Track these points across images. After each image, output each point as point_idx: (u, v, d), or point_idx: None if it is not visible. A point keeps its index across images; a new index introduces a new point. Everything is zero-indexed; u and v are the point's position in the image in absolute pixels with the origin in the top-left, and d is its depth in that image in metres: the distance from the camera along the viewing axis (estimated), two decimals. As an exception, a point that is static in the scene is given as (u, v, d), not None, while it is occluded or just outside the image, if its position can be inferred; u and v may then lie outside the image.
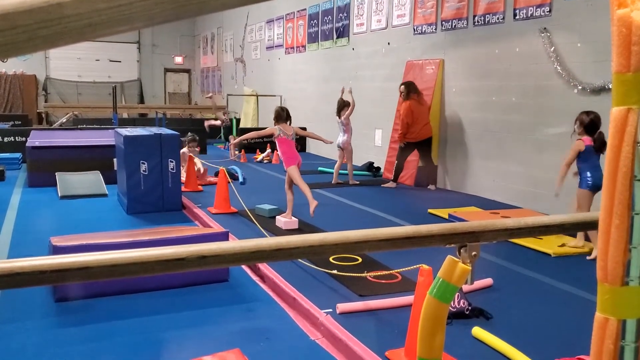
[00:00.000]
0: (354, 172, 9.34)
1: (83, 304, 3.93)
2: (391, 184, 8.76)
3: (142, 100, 21.43)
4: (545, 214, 6.02)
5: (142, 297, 4.06)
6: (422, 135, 8.46)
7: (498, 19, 7.65)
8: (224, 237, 4.65)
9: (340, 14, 11.75)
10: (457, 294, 3.50)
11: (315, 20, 12.79)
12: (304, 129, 12.72)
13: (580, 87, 6.44)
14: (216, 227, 5.88)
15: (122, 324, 3.67)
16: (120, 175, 7.40)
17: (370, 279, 4.30)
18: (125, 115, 18.62)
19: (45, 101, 20.01)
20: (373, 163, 10.09)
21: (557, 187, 5.07)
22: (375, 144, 10.66)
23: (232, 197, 6.83)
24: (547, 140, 6.89)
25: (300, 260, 4.58)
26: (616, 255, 1.15)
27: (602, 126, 5.05)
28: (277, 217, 6.16)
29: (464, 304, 3.61)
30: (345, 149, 8.88)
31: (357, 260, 4.74)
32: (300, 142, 12.65)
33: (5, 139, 11.23)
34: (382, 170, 9.86)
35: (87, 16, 0.64)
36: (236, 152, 12.19)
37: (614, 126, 1.13)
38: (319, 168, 10.29)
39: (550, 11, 6.86)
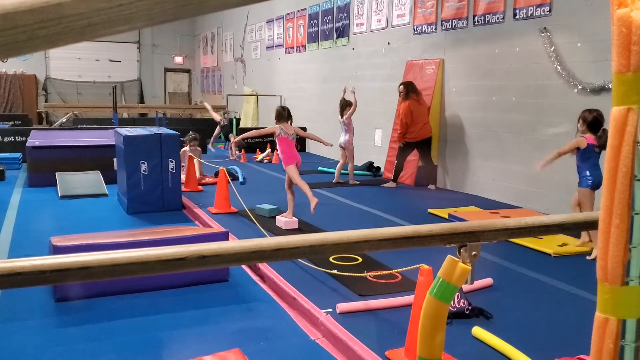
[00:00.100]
0: (354, 172, 9.34)
1: (83, 304, 3.93)
2: (391, 184, 8.76)
3: (142, 100, 21.43)
4: (546, 214, 6.03)
5: (142, 297, 4.06)
6: (421, 135, 8.46)
7: (498, 18, 7.65)
8: (224, 237, 4.65)
9: (340, 14, 11.75)
10: (457, 293, 3.50)
11: (315, 20, 12.79)
12: (304, 129, 12.76)
13: (580, 87, 6.44)
14: (216, 227, 5.88)
15: (123, 323, 3.67)
16: (120, 175, 7.40)
17: (370, 278, 4.30)
18: (125, 115, 18.63)
19: (46, 101, 20.01)
20: (373, 163, 10.09)
21: (539, 166, 5.16)
22: (375, 143, 10.66)
23: (232, 196, 6.83)
24: (547, 140, 6.89)
25: (300, 260, 4.58)
26: (616, 255, 1.15)
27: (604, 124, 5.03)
28: (277, 217, 6.16)
29: (464, 303, 3.61)
30: (347, 149, 8.88)
31: (357, 260, 4.74)
32: (300, 142, 12.65)
33: (6, 139, 11.23)
34: (382, 170, 9.86)
35: (87, 16, 0.64)
36: (236, 152, 12.19)
37: (614, 126, 1.13)
38: (319, 168, 10.29)
39: (550, 11, 6.86)
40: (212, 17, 19.47)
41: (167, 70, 22.48)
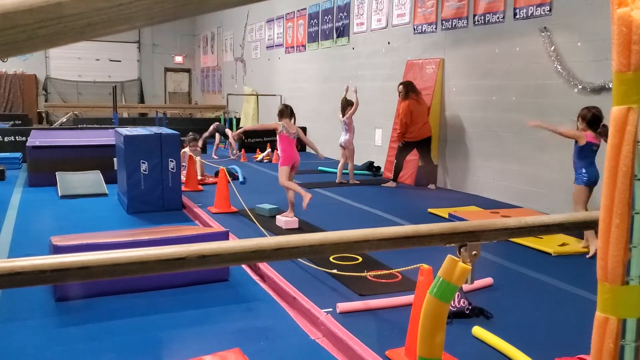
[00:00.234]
0: (355, 171, 9.34)
1: (83, 304, 3.93)
2: (391, 184, 8.76)
3: (142, 100, 21.43)
4: (546, 214, 6.03)
5: (142, 297, 4.06)
6: (421, 134, 8.46)
7: (498, 18, 7.65)
8: (224, 236, 4.65)
9: (341, 14, 11.75)
10: (457, 293, 3.50)
11: (315, 20, 12.79)
12: (304, 129, 12.78)
13: (580, 87, 6.44)
14: (216, 227, 5.88)
15: (122, 323, 3.67)
16: (121, 175, 7.40)
17: (370, 278, 4.30)
18: (125, 115, 18.63)
19: (46, 101, 20.01)
20: (373, 162, 10.10)
21: (533, 123, 5.37)
22: (375, 143, 10.66)
23: (232, 196, 6.83)
24: (547, 140, 6.89)
25: (300, 259, 4.58)
26: (616, 255, 1.15)
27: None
28: (277, 216, 6.16)
29: (464, 303, 3.61)
30: (347, 148, 8.88)
31: (358, 259, 4.74)
32: (301, 142, 12.64)
33: (6, 139, 11.23)
34: (382, 169, 9.86)
35: (87, 15, 0.64)
36: (236, 150, 12.18)
37: (614, 125, 1.13)
38: (319, 167, 10.29)
39: (550, 10, 6.85)
40: (212, 16, 19.47)
41: (167, 69, 22.48)
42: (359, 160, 10.02)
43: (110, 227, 5.99)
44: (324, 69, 12.46)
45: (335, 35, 11.98)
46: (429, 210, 6.89)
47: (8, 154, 10.69)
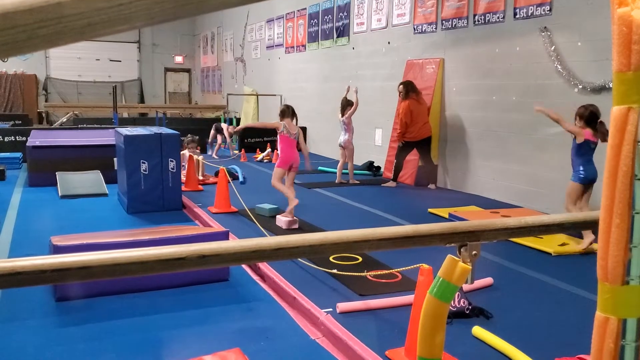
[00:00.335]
0: (355, 171, 9.34)
1: (83, 304, 3.93)
2: (391, 184, 8.76)
3: (142, 100, 21.43)
4: (546, 214, 6.03)
5: (142, 297, 4.06)
6: (421, 134, 8.46)
7: (498, 18, 7.65)
8: (224, 236, 4.65)
9: (341, 13, 11.75)
10: (458, 293, 3.50)
11: (315, 20, 12.79)
12: (304, 129, 12.78)
13: (580, 86, 6.44)
14: (216, 227, 5.88)
15: (123, 323, 3.67)
16: (121, 175, 7.40)
17: (370, 278, 4.30)
18: (125, 115, 18.63)
19: (46, 101, 20.01)
20: (373, 162, 10.10)
21: (539, 107, 5.49)
22: (375, 143, 10.66)
23: (233, 196, 6.83)
24: (547, 140, 6.89)
25: (300, 259, 4.58)
26: (617, 255, 1.15)
27: (606, 127, 5.07)
28: (277, 216, 6.16)
29: (464, 303, 3.61)
30: (347, 148, 8.88)
31: (358, 259, 4.74)
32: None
33: (6, 139, 11.23)
34: (382, 169, 9.86)
35: (87, 15, 0.64)
36: (236, 151, 12.19)
37: (614, 125, 1.13)
38: (319, 167, 10.29)
39: (550, 10, 6.85)
40: (212, 16, 19.47)
41: (167, 69, 22.48)
42: (359, 160, 10.03)
43: (110, 227, 5.99)
44: (324, 69, 12.46)
45: (335, 35, 11.98)
46: (429, 210, 6.88)
47: (8, 154, 10.69)
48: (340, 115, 8.94)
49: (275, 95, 14.51)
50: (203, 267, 1.34)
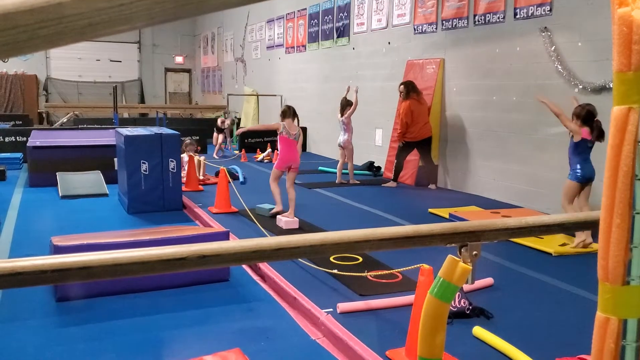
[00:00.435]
0: (355, 171, 9.35)
1: (84, 304, 3.93)
2: (391, 184, 8.76)
3: (142, 100, 21.44)
4: (546, 214, 6.03)
5: (142, 297, 4.07)
6: (421, 134, 8.46)
7: (498, 18, 7.65)
8: (224, 236, 4.65)
9: (341, 14, 11.75)
10: (458, 293, 3.50)
11: (315, 20, 12.79)
12: (304, 129, 12.78)
13: (580, 87, 6.44)
14: (217, 227, 5.88)
15: (123, 323, 3.67)
16: (121, 175, 7.40)
17: (370, 278, 4.30)
18: (125, 115, 18.63)
19: (46, 101, 20.02)
20: (373, 162, 10.10)
21: (542, 97, 5.49)
22: (375, 143, 10.66)
23: (233, 196, 6.83)
24: (547, 140, 6.89)
25: (301, 259, 4.58)
26: (617, 255, 1.15)
27: (602, 125, 5.09)
28: (277, 216, 6.16)
29: (464, 303, 3.61)
30: (346, 148, 8.89)
31: (358, 259, 4.74)
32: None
33: (6, 139, 11.23)
34: (382, 169, 9.86)
35: (88, 16, 0.64)
36: (236, 151, 12.19)
37: (614, 125, 1.13)
38: (320, 167, 10.29)
39: (550, 10, 6.85)
40: (213, 16, 19.47)
41: (167, 70, 22.49)
42: (359, 160, 10.03)
43: (110, 227, 5.99)
44: (324, 69, 12.46)
45: (335, 36, 11.98)
46: (430, 210, 6.88)
47: (9, 154, 10.70)
48: (339, 115, 8.95)
49: (275, 95, 14.51)
50: (203, 267, 1.34)
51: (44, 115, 19.67)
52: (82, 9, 0.63)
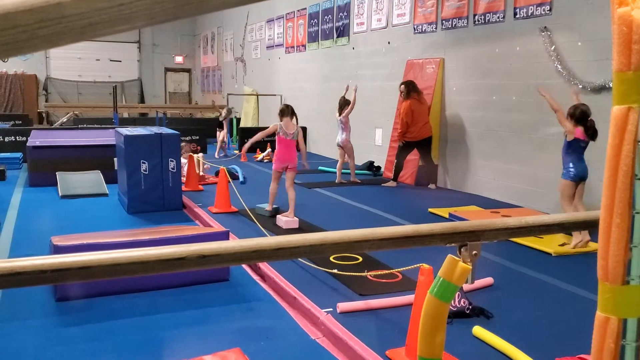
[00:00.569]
0: (355, 171, 9.37)
1: (84, 304, 3.93)
2: (391, 183, 8.76)
3: (142, 100, 21.43)
4: (546, 213, 6.03)
5: (142, 297, 4.06)
6: (421, 134, 8.46)
7: (498, 18, 7.65)
8: (224, 236, 4.65)
9: (341, 13, 11.75)
10: (458, 293, 3.50)
11: (315, 20, 12.79)
12: (304, 129, 12.77)
13: (580, 86, 6.44)
14: (217, 227, 5.88)
15: (123, 323, 3.67)
16: (121, 175, 7.40)
17: (370, 278, 4.30)
18: (125, 115, 18.63)
19: (46, 101, 20.01)
20: (373, 162, 10.10)
21: (546, 94, 5.48)
22: (375, 143, 10.66)
23: (233, 196, 6.83)
24: (547, 139, 6.89)
25: (300, 259, 4.58)
26: (617, 254, 1.15)
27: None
28: (277, 216, 6.17)
29: (464, 303, 3.61)
30: (345, 147, 8.92)
31: (358, 259, 4.74)
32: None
33: (6, 139, 11.23)
34: (382, 169, 9.86)
35: (87, 15, 0.64)
36: (236, 151, 12.20)
37: (614, 125, 1.13)
38: (320, 167, 10.29)
39: (550, 10, 6.85)
40: (213, 16, 19.46)
41: (167, 69, 22.48)
42: (359, 160, 10.03)
43: (110, 227, 5.99)
44: (324, 68, 12.46)
45: (335, 35, 11.98)
46: (430, 210, 6.88)
47: (8, 154, 10.70)
48: (337, 114, 8.97)
49: (275, 95, 14.51)
50: (203, 267, 1.34)
51: (43, 115, 19.67)
52: (82, 9, 0.63)
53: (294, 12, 13.82)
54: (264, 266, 4.59)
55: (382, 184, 8.83)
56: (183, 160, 8.46)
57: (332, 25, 12.09)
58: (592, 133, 5.04)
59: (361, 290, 4.08)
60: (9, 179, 9.26)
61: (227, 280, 4.49)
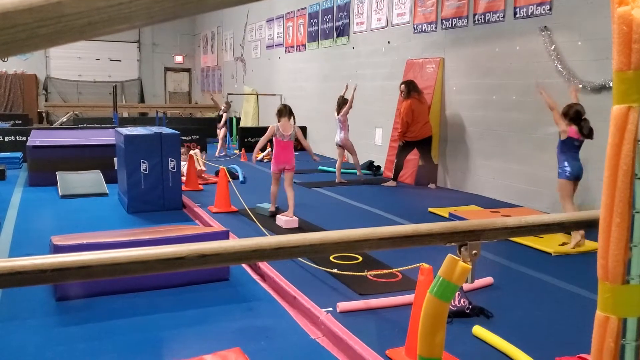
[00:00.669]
0: (354, 171, 9.39)
1: (84, 303, 3.93)
2: (391, 183, 8.76)
3: (142, 100, 21.43)
4: (546, 213, 6.03)
5: (142, 296, 4.06)
6: (422, 134, 8.46)
7: (498, 17, 7.64)
8: (224, 236, 4.65)
9: (341, 13, 11.75)
10: (458, 292, 3.50)
11: (315, 19, 12.79)
12: (304, 128, 12.78)
13: (580, 86, 6.43)
14: (216, 226, 5.88)
15: (123, 322, 3.67)
16: (121, 175, 7.40)
17: (370, 277, 4.30)
18: (125, 115, 18.63)
19: (46, 100, 20.01)
20: (373, 162, 10.10)
21: (544, 92, 5.49)
22: (375, 142, 10.66)
23: (233, 196, 6.83)
24: (547, 139, 6.88)
25: (300, 259, 4.58)
26: (617, 254, 1.15)
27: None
28: (277, 215, 6.17)
29: (464, 302, 3.61)
30: (345, 145, 8.97)
31: (358, 259, 4.74)
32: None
33: (6, 138, 11.23)
34: (382, 169, 9.86)
35: (87, 15, 0.64)
36: (236, 151, 12.21)
37: (614, 124, 1.13)
38: (320, 167, 10.29)
39: (550, 9, 6.85)
40: (212, 16, 19.46)
41: (167, 69, 22.48)
42: (360, 159, 10.03)
43: (110, 227, 5.99)
44: (324, 68, 12.46)
45: (335, 35, 11.98)
46: (429, 209, 6.88)
47: (8, 153, 10.70)
48: (335, 113, 9.01)
49: (275, 94, 14.50)
50: (203, 266, 1.34)
51: (43, 114, 19.67)
52: (81, 8, 0.63)
53: (294, 11, 13.82)
54: (264, 266, 4.59)
55: (382, 184, 8.83)
56: (182, 163, 8.47)
57: (332, 25, 12.09)
58: (587, 132, 5.06)
59: (361, 289, 4.08)
60: (9, 178, 9.26)
61: (227, 279, 4.49)
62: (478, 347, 3.24)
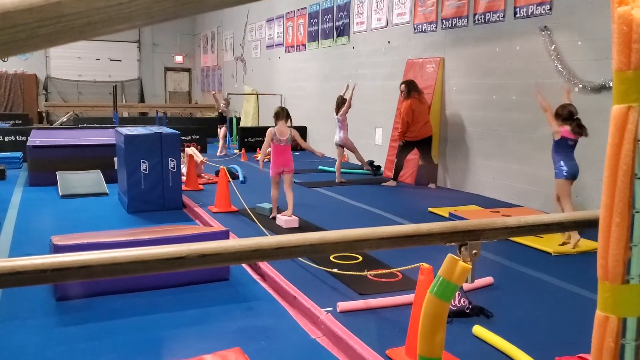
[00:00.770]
0: (354, 171, 9.41)
1: (84, 303, 3.93)
2: (391, 183, 8.76)
3: (142, 99, 21.43)
4: (546, 213, 6.03)
5: (142, 296, 4.07)
6: (422, 134, 8.46)
7: (498, 17, 7.64)
8: (224, 235, 4.65)
9: (341, 13, 11.75)
10: (458, 292, 3.50)
11: (315, 19, 12.78)
12: (304, 128, 12.79)
13: (580, 86, 6.44)
14: (217, 226, 5.88)
15: (123, 322, 3.67)
16: (121, 174, 7.40)
17: (370, 277, 4.30)
18: (125, 114, 18.63)
19: (46, 100, 20.01)
20: (373, 162, 10.09)
21: (540, 96, 5.54)
22: (375, 142, 10.66)
23: (233, 195, 6.83)
24: (547, 139, 6.87)
25: (300, 259, 4.58)
26: (617, 253, 1.15)
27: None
28: (277, 215, 6.17)
29: (464, 302, 3.61)
30: (345, 145, 8.99)
31: (358, 258, 4.74)
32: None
33: (6, 138, 11.23)
34: (382, 168, 9.86)
35: (87, 14, 0.64)
36: (236, 151, 12.22)
37: (614, 124, 1.13)
38: (320, 167, 10.29)
39: (550, 9, 6.85)
40: (212, 16, 19.46)
41: (167, 69, 22.48)
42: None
43: (110, 227, 5.99)
44: (324, 68, 12.46)
45: (335, 35, 11.98)
46: (429, 209, 6.88)
47: (8, 153, 10.70)
48: (334, 113, 9.02)
49: (275, 94, 14.51)
50: (203, 266, 1.34)
51: (43, 114, 19.67)
52: (81, 8, 0.63)
53: (294, 11, 13.82)
54: (264, 265, 4.59)
55: (382, 184, 8.84)
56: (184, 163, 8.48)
57: (332, 25, 12.09)
58: (579, 130, 5.07)
59: (361, 289, 4.08)
60: (9, 178, 9.27)
61: (227, 279, 4.49)
62: (478, 347, 3.24)
